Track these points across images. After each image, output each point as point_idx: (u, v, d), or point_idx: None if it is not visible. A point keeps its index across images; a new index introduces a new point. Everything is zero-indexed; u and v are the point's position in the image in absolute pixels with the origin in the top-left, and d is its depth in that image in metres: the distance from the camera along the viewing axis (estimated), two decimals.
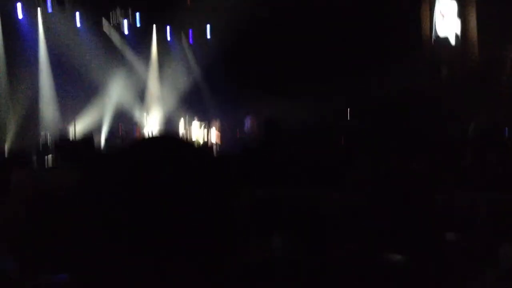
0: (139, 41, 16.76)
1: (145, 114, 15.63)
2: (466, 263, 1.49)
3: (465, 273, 1.46)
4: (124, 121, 15.89)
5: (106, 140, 14.79)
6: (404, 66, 14.05)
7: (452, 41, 17.79)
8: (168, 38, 17.87)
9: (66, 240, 1.48)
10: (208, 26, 18.07)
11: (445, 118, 12.84)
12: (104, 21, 15.96)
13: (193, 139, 16.07)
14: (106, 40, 16.00)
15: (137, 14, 16.35)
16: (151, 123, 15.69)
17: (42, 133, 13.81)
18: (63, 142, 12.23)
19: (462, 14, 18.14)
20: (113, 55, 16.04)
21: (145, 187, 0.70)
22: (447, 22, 17.60)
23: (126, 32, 16.50)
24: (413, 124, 13.22)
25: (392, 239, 1.40)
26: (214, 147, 15.22)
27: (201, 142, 15.54)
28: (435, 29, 17.06)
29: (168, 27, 17.59)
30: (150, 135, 15.48)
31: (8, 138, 13.28)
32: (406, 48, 14.68)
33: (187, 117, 17.20)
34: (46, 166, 11.81)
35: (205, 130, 16.46)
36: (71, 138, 12.93)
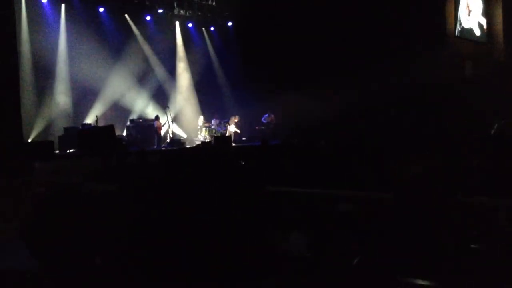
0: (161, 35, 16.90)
1: (166, 109, 15.76)
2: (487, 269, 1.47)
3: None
4: (144, 116, 16.08)
5: (127, 132, 14.95)
6: (428, 61, 13.84)
7: (477, 37, 17.45)
8: (191, 34, 17.98)
9: (88, 236, 1.51)
10: (230, 23, 18.13)
11: (468, 115, 12.62)
12: (127, 16, 16.13)
13: (213, 134, 16.19)
14: (130, 36, 16.19)
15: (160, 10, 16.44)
16: (171, 118, 15.83)
17: (66, 124, 14.07)
18: (85, 133, 12.51)
19: (487, 10, 17.79)
20: (135, 53, 16.24)
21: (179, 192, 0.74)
22: (472, 18, 17.28)
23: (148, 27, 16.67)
24: (434, 121, 13.02)
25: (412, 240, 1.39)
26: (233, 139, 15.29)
27: (222, 135, 15.64)
28: (460, 24, 16.75)
29: (190, 23, 17.70)
30: (170, 131, 15.65)
31: (33, 129, 13.55)
32: (430, 44, 14.44)
33: (206, 112, 17.38)
34: (68, 156, 12.01)
35: (226, 125, 16.61)
36: (93, 130, 13.19)
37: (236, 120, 16.55)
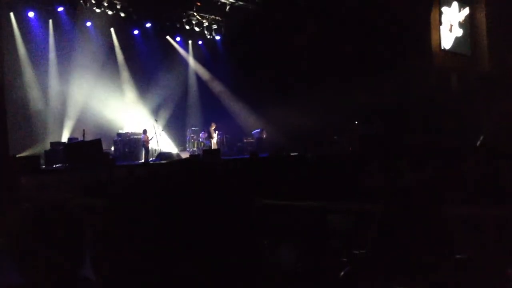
0: (149, 49, 16.93)
1: (153, 121, 15.72)
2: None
3: None
4: (132, 128, 16.01)
5: (115, 147, 14.87)
6: (413, 75, 14.02)
7: (461, 49, 17.73)
8: (177, 47, 18.04)
9: (76, 251, 1.48)
10: (218, 37, 18.24)
11: (455, 128, 12.77)
12: (113, 30, 16.17)
13: (200, 146, 16.15)
14: (117, 50, 16.21)
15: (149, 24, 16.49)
16: (158, 131, 15.79)
17: (52, 138, 13.96)
18: (72, 147, 12.40)
19: (471, 22, 18.11)
20: (123, 67, 16.27)
21: (171, 206, 0.73)
22: (455, 31, 17.57)
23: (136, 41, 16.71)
24: (421, 132, 13.16)
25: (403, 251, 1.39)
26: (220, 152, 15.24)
27: (208, 147, 15.61)
28: (445, 37, 17.01)
29: (178, 37, 17.77)
30: (158, 144, 15.59)
31: (18, 144, 13.41)
32: (415, 58, 14.64)
33: (195, 125, 17.37)
34: (55, 171, 11.87)
35: (211, 137, 16.50)
36: (81, 144, 13.09)
37: (213, 128, 16.44)
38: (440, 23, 16.81)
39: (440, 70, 16.56)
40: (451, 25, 17.38)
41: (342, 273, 1.46)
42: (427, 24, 16.45)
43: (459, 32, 17.65)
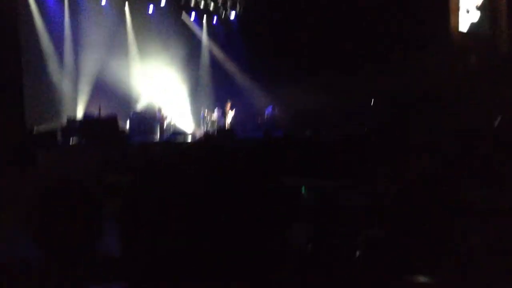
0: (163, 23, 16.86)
1: (168, 99, 15.76)
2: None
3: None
4: (149, 106, 16.07)
5: (130, 123, 14.96)
6: (432, 56, 13.79)
7: (481, 30, 17.35)
8: (192, 21, 17.91)
9: (95, 225, 1.51)
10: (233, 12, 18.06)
11: (472, 109, 12.57)
12: (128, 7, 16.12)
13: (215, 124, 16.16)
14: (131, 24, 16.18)
15: None
16: (174, 110, 15.84)
17: (68, 114, 14.10)
18: (88, 123, 12.52)
19: (491, 2, 17.66)
20: (140, 44, 16.25)
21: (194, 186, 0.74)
22: (475, 12, 17.16)
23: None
24: (438, 115, 12.99)
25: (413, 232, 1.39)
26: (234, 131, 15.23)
27: (223, 126, 15.62)
28: (464, 18, 16.64)
29: (193, 13, 17.64)
30: (173, 123, 15.65)
31: (36, 119, 13.56)
32: (434, 39, 14.37)
33: (208, 104, 17.36)
34: (71, 147, 12.03)
35: (225, 116, 16.47)
36: (96, 120, 13.20)
37: (228, 106, 16.40)
38: (458, 7, 16.44)
39: (458, 51, 16.25)
40: (469, 9, 17.00)
41: (357, 254, 1.46)
42: (445, 7, 16.09)
43: (476, 16, 17.26)
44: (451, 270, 1.22)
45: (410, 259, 1.28)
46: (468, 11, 16.85)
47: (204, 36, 18.23)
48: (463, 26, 16.65)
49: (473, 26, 17.07)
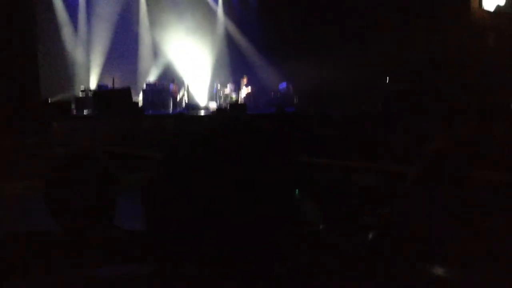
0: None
1: (182, 72, 15.73)
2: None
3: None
4: (161, 78, 16.06)
5: (143, 96, 14.99)
6: (451, 31, 13.48)
7: (500, 7, 16.88)
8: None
9: (109, 199, 1.51)
10: None
11: (491, 87, 12.34)
12: None
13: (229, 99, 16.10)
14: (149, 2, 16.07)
15: None
16: (187, 82, 15.79)
17: (82, 85, 14.17)
18: (102, 95, 12.57)
19: None
20: (155, 17, 16.14)
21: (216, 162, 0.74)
22: None
23: None
24: (454, 91, 12.79)
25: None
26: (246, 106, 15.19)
27: (236, 101, 15.57)
28: None
29: None
30: (186, 96, 15.64)
31: (51, 89, 13.65)
32: (454, 14, 14.02)
33: (222, 79, 17.29)
34: (84, 118, 12.11)
35: (238, 91, 16.37)
36: (110, 92, 13.24)
37: (245, 81, 16.27)
38: None
39: (477, 27, 15.85)
40: None
41: (369, 236, 1.45)
42: None
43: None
44: (466, 260, 1.20)
45: (423, 246, 1.27)
46: None
47: (220, 10, 18.01)
48: (488, 5, 16.18)
49: (493, 2, 16.60)
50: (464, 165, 1.34)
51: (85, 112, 12.76)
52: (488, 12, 16.27)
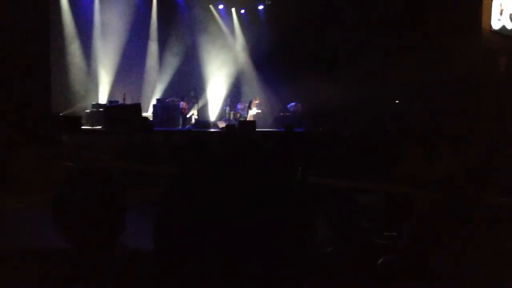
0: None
1: (192, 91, 15.86)
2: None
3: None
4: (171, 95, 16.19)
5: (153, 112, 15.10)
6: (462, 56, 13.50)
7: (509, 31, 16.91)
8: (220, 11, 17.93)
9: (119, 215, 1.51)
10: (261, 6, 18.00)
11: (499, 111, 12.28)
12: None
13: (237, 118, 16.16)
14: (161, 17, 16.29)
15: None
16: (195, 98, 15.91)
17: (93, 100, 14.32)
18: (112, 110, 12.67)
19: None
20: (167, 33, 16.35)
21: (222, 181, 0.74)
22: (507, 13, 16.73)
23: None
24: (465, 114, 12.75)
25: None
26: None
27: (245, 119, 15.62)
28: (495, 18, 16.24)
29: (221, 5, 17.65)
30: (195, 113, 15.73)
31: (62, 104, 13.81)
32: (465, 38, 14.06)
33: (232, 97, 17.39)
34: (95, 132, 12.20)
35: (248, 109, 16.43)
36: (120, 107, 13.35)
37: (256, 102, 16.35)
38: (491, 4, 16.04)
39: (488, 51, 15.86)
40: (502, 9, 16.58)
41: (379, 262, 1.44)
42: (479, 5, 15.71)
43: (508, 14, 16.82)
44: (473, 282, 1.18)
45: (432, 269, 1.25)
46: (500, 12, 16.43)
47: (231, 28, 18.22)
48: (495, 25, 16.25)
49: (504, 27, 16.66)
50: (472, 190, 1.34)
51: (96, 127, 12.86)
52: (499, 34, 16.31)
